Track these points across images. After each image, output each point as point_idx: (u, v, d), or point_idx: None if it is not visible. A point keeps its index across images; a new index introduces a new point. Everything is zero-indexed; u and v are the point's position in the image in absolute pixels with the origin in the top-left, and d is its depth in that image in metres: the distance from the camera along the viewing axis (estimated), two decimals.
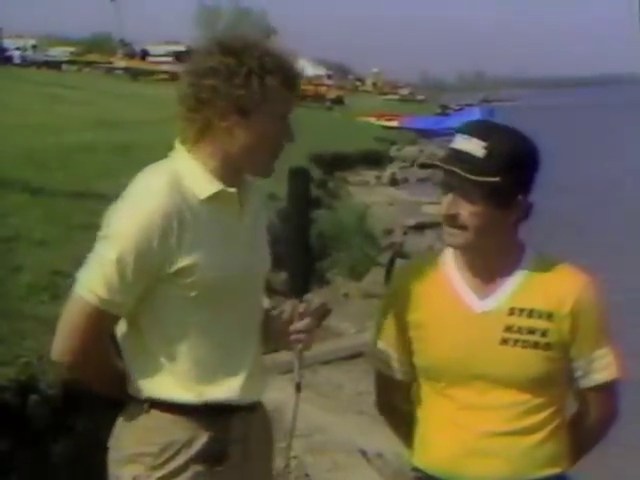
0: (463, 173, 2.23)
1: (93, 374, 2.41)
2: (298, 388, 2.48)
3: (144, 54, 54.46)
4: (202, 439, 2.37)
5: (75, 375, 2.43)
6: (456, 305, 2.37)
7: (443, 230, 2.34)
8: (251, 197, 2.48)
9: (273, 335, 2.56)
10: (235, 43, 2.35)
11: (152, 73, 48.65)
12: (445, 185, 2.31)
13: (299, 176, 2.44)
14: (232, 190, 2.39)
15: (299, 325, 2.44)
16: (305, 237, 2.42)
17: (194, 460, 2.36)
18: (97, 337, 2.34)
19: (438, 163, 2.29)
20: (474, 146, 2.26)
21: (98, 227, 2.37)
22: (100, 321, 2.32)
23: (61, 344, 2.35)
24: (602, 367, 2.38)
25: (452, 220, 2.29)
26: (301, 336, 2.44)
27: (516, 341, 2.32)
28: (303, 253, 2.41)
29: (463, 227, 2.29)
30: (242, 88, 2.31)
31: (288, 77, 2.37)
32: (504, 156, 2.26)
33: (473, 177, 2.23)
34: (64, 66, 48.97)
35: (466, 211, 2.27)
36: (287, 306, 2.50)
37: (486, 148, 2.25)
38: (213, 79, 2.31)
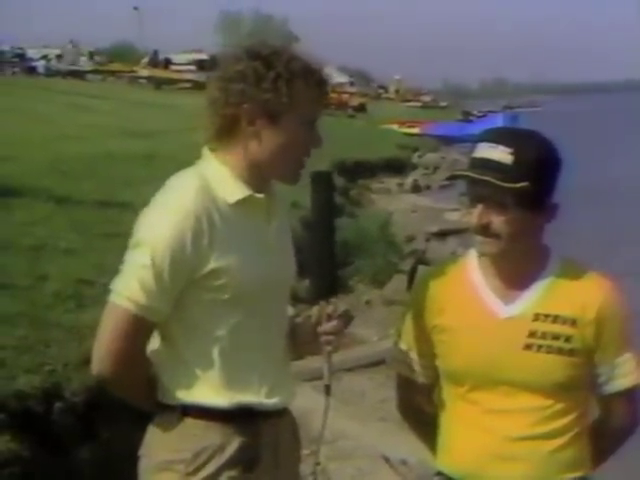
0: (496, 182, 2.23)
1: (131, 383, 2.40)
2: (328, 391, 2.49)
3: (167, 63, 54.67)
4: (234, 445, 2.37)
5: (113, 385, 2.40)
6: (481, 310, 2.38)
7: (475, 240, 2.34)
8: (277, 204, 2.50)
9: (300, 341, 2.57)
10: (263, 49, 2.37)
11: (175, 82, 48.82)
12: (474, 195, 2.31)
13: (322, 179, 2.44)
14: (260, 196, 2.41)
15: (327, 326, 2.47)
16: (330, 239, 2.43)
17: (227, 466, 2.36)
18: (138, 346, 2.34)
19: (469, 174, 2.29)
20: (501, 153, 2.26)
21: (122, 236, 2.38)
22: (140, 328, 2.31)
23: (102, 355, 2.32)
24: (625, 373, 2.38)
25: (484, 230, 2.29)
26: (330, 337, 2.46)
27: (540, 347, 2.33)
28: (328, 255, 2.42)
29: (496, 235, 2.29)
30: (270, 92, 2.32)
31: (316, 81, 2.38)
32: (531, 161, 2.26)
33: (506, 185, 2.23)
34: (88, 76, 49.26)
35: (498, 219, 2.27)
36: (314, 310, 2.51)
37: (513, 154, 2.25)
38: (241, 83, 2.33)
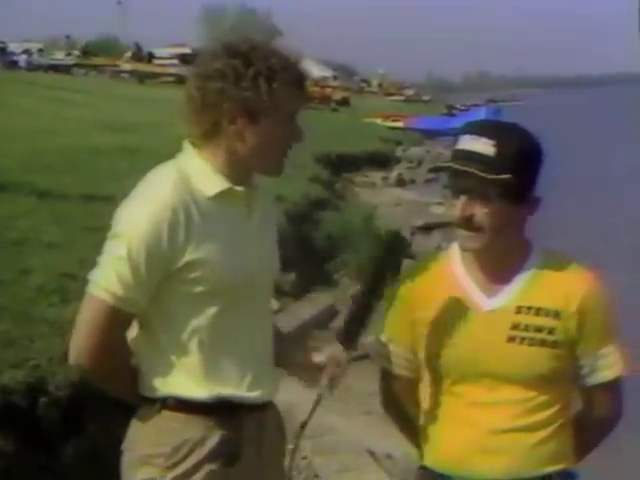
0: (480, 173, 2.23)
1: (111, 376, 2.41)
2: (303, 426, 2.49)
3: (150, 57, 54.48)
4: (215, 438, 2.37)
5: (92, 377, 2.43)
6: (463, 303, 2.38)
7: (458, 234, 2.35)
8: (260, 197, 2.50)
9: (290, 360, 2.57)
10: (241, 45, 2.36)
11: (158, 76, 48.67)
12: (457, 187, 2.31)
13: (395, 241, 2.42)
14: (240, 189, 2.41)
15: (337, 372, 2.45)
16: (374, 298, 2.42)
17: (207, 460, 2.37)
18: (115, 337, 2.35)
19: (452, 165, 2.29)
20: (484, 145, 2.27)
21: (106, 229, 2.38)
22: (117, 320, 2.33)
23: (79, 346, 2.34)
24: (608, 365, 2.40)
25: (467, 222, 2.30)
26: (334, 382, 2.46)
27: (523, 339, 2.34)
28: (367, 310, 2.42)
29: (479, 229, 2.30)
30: (250, 90, 2.32)
31: (296, 77, 2.38)
32: (514, 153, 2.27)
33: (489, 176, 2.23)
34: (71, 70, 49.00)
35: (481, 212, 2.28)
36: (328, 349, 2.50)
37: (495, 146, 2.27)
38: (220, 82, 2.32)
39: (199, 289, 2.34)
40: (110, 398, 2.49)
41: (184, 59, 51.49)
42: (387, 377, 2.60)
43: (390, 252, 2.42)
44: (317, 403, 2.49)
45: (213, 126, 2.36)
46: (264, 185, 2.53)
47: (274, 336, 2.57)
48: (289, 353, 2.59)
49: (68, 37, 60.26)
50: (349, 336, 2.49)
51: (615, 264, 9.71)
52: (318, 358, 2.51)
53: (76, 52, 54.09)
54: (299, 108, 2.43)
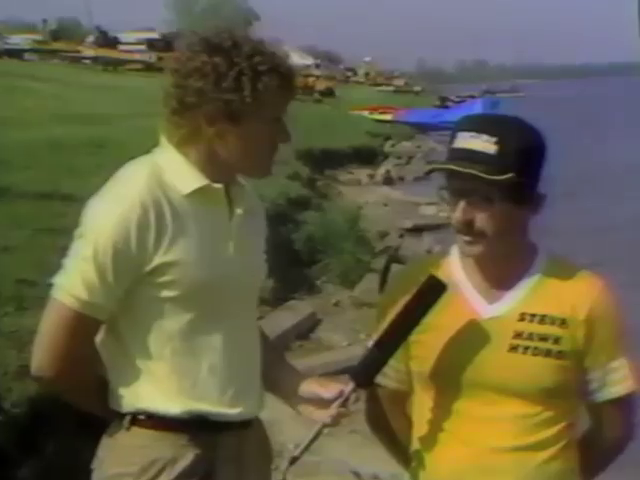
0: (484, 175, 2.23)
1: (78, 388, 2.41)
2: (293, 461, 2.48)
3: (115, 42, 54.37)
4: (188, 457, 2.37)
5: (58, 390, 2.43)
6: (462, 309, 2.38)
7: (458, 239, 2.34)
8: (244, 197, 2.49)
9: (286, 389, 2.57)
10: (222, 41, 2.34)
11: (124, 63, 48.59)
12: (456, 189, 2.30)
13: (433, 290, 2.38)
14: (218, 186, 2.40)
15: (343, 412, 2.44)
16: (399, 345, 2.40)
17: None
18: (80, 345, 2.34)
19: (453, 167, 2.28)
20: (485, 143, 2.27)
21: (68, 231, 2.38)
22: (83, 327, 2.32)
23: (42, 356, 2.34)
24: (619, 379, 2.39)
25: (468, 227, 2.30)
26: (337, 421, 2.45)
27: (526, 348, 2.33)
28: (390, 352, 2.41)
29: (481, 233, 2.29)
30: (232, 92, 2.30)
31: (282, 78, 2.36)
32: (517, 150, 2.27)
33: (494, 177, 2.23)
34: (26, 55, 48.80)
35: (483, 215, 2.28)
36: (337, 385, 2.48)
37: (497, 143, 2.26)
38: (199, 81, 2.31)
39: (172, 294, 2.34)
40: (72, 415, 2.49)
41: (152, 45, 51.52)
42: (374, 391, 2.59)
43: (426, 295, 2.38)
44: (314, 440, 2.48)
45: (192, 128, 2.36)
46: (249, 186, 2.53)
47: (268, 356, 2.57)
48: (286, 381, 2.58)
49: (45, 21, 59.99)
50: (365, 374, 2.47)
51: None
52: (326, 394, 2.48)
53: (35, 37, 53.88)
54: (285, 108, 2.42)
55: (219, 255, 2.40)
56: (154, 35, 55.55)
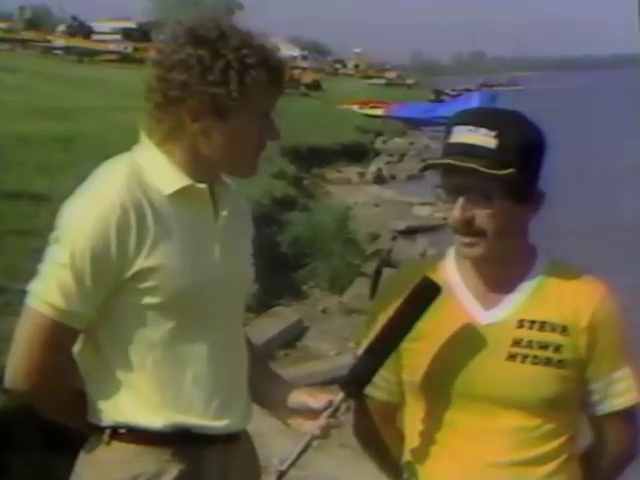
0: (485, 170, 2.23)
1: (53, 400, 2.40)
2: (280, 476, 2.48)
3: (89, 32, 54.29)
4: (171, 473, 2.37)
5: (34, 403, 2.42)
6: (458, 316, 2.38)
7: (456, 240, 2.34)
8: (229, 197, 2.49)
9: (274, 402, 2.57)
10: (208, 32, 2.34)
11: (98, 54, 48.54)
12: (453, 187, 2.31)
13: (427, 292, 2.38)
14: (202, 186, 2.40)
15: (333, 422, 2.44)
16: (391, 351, 2.41)
17: None
18: (57, 356, 2.34)
19: (451, 161, 2.28)
20: (484, 137, 2.28)
21: (40, 233, 2.39)
22: (59, 336, 2.32)
23: (16, 367, 2.33)
24: (622, 391, 2.40)
25: (468, 226, 2.30)
26: (327, 432, 2.45)
27: (525, 357, 2.34)
28: (382, 358, 2.41)
29: (480, 233, 2.30)
30: (218, 85, 2.30)
31: (272, 71, 2.37)
32: (517, 144, 2.29)
33: (495, 172, 2.24)
34: None
35: (484, 213, 2.28)
36: (326, 395, 2.49)
37: (497, 137, 2.27)
38: (184, 74, 2.31)
39: (153, 300, 2.34)
40: (43, 429, 2.49)
41: (128, 35, 51.50)
42: (363, 402, 2.60)
43: (419, 298, 2.38)
44: (302, 453, 2.48)
45: (175, 124, 2.36)
46: (235, 187, 2.53)
47: (255, 365, 2.57)
48: (273, 391, 2.59)
49: (22, 8, 59.87)
50: (355, 383, 2.47)
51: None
52: (315, 404, 2.48)
53: (2, 25, 53.78)
54: (274, 105, 2.42)
55: (204, 259, 2.41)
56: (130, 24, 55.51)
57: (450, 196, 2.31)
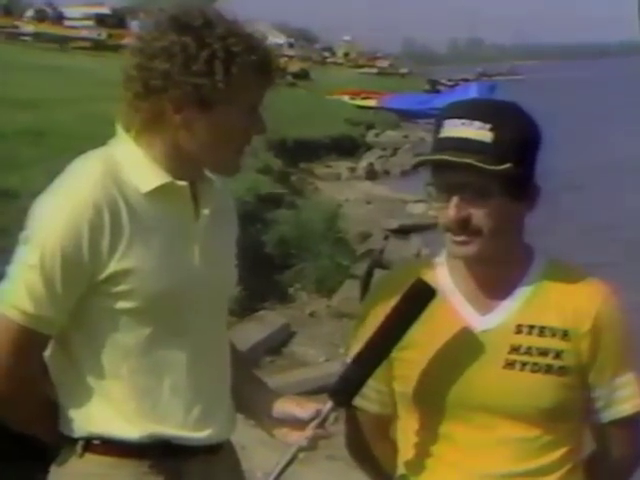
0: (483, 165, 2.23)
1: (22, 409, 2.40)
2: None
3: (59, 17, 54.21)
4: None
5: (1, 411, 2.39)
6: (451, 322, 2.39)
7: (448, 239, 2.34)
8: (212, 195, 2.49)
9: (259, 410, 2.57)
10: (193, 18, 2.34)
11: (70, 40, 48.45)
12: (447, 184, 2.30)
13: (420, 296, 2.38)
14: (182, 183, 2.40)
15: (321, 433, 2.44)
16: (382, 358, 2.41)
17: None
18: (26, 363, 2.34)
19: (445, 157, 2.28)
20: (479, 131, 2.28)
21: (10, 232, 2.39)
22: (28, 343, 2.32)
23: None
24: (626, 397, 2.40)
25: (463, 225, 2.30)
26: (315, 443, 2.45)
27: (524, 364, 2.34)
28: (373, 366, 2.41)
29: (476, 232, 2.30)
30: (202, 76, 2.30)
31: (260, 61, 2.37)
32: (513, 138, 2.29)
33: (492, 167, 2.24)
34: None
35: (481, 212, 2.28)
36: (314, 404, 2.49)
37: (492, 130, 2.28)
38: (166, 63, 2.30)
39: (129, 305, 2.34)
40: (18, 441, 2.48)
41: (102, 21, 51.44)
42: (353, 413, 2.59)
43: (412, 302, 2.38)
44: (288, 465, 2.48)
45: (155, 115, 2.35)
46: (218, 183, 2.53)
47: (238, 373, 2.57)
48: (258, 400, 2.59)
49: None
50: (344, 391, 2.48)
51: None
52: (302, 414, 2.49)
53: None
54: (262, 96, 2.42)
55: (182, 261, 2.41)
56: (104, 10, 55.43)
57: (443, 194, 2.31)
